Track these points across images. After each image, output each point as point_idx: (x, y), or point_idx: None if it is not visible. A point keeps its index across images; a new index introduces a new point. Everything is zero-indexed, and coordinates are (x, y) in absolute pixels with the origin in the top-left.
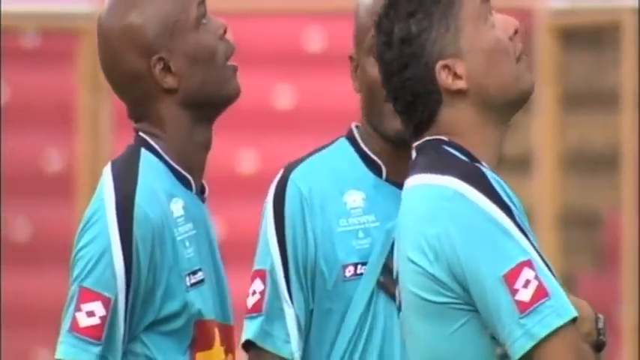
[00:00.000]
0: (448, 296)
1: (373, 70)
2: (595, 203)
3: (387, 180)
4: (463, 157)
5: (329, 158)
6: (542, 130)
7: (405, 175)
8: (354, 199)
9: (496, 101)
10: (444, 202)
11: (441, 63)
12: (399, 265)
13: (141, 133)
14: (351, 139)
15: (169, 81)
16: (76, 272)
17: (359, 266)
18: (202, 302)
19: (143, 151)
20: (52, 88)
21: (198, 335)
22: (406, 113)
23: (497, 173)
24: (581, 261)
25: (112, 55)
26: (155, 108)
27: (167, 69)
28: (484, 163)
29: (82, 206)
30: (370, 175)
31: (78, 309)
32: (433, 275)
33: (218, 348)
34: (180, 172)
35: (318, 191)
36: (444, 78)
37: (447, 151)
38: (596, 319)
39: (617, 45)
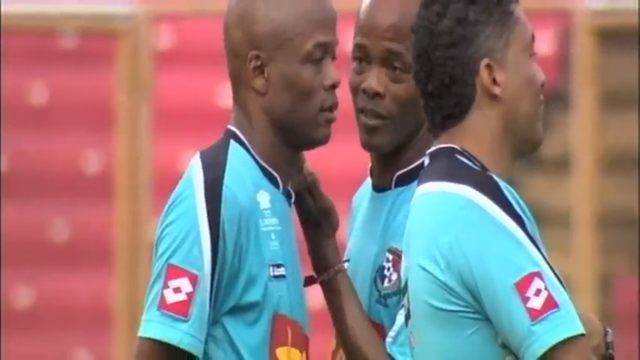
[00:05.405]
0: (458, 304)
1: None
2: (633, 204)
3: None
4: (476, 167)
5: None
6: (581, 130)
7: None
8: None
9: (521, 128)
10: (457, 210)
11: (487, 60)
12: (408, 273)
13: (231, 127)
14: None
15: (258, 82)
16: (161, 249)
17: None
18: (281, 297)
19: (232, 142)
20: (91, 89)
21: (277, 330)
22: (438, 98)
23: (511, 185)
24: (618, 262)
25: (226, 25)
26: (243, 96)
27: (261, 70)
28: (495, 175)
29: (121, 207)
30: None
31: (165, 286)
32: (444, 283)
33: (292, 347)
34: (267, 169)
35: None
36: (485, 76)
37: (460, 160)
38: (605, 333)
39: None
